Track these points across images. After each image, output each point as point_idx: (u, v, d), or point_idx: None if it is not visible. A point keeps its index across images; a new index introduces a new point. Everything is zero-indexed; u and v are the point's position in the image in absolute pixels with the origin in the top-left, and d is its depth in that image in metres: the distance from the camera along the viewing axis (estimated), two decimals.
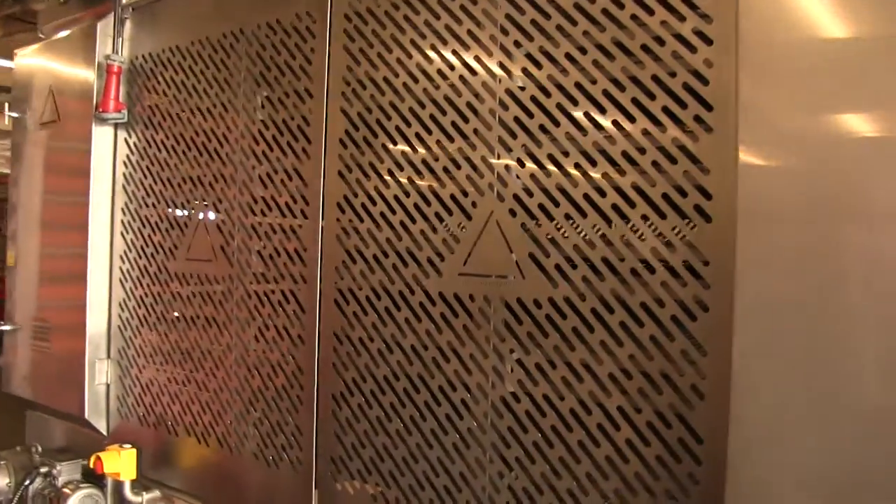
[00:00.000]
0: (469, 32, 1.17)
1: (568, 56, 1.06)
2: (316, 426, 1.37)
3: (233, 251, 1.55)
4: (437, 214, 1.20)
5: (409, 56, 1.25)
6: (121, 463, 1.66)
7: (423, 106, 1.23)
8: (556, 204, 1.07)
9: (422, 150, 1.23)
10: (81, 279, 1.85)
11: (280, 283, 1.44)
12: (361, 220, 1.31)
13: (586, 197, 1.05)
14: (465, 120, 1.18)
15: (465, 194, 1.17)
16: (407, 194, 1.24)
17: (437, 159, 1.21)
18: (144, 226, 1.78)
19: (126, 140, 1.84)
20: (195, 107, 1.65)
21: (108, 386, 1.86)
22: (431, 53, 1.22)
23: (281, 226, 1.45)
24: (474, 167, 1.16)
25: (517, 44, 1.12)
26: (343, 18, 1.35)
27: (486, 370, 1.14)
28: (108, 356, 1.86)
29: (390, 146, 1.27)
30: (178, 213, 1.69)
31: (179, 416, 1.67)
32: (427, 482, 1.20)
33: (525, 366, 1.10)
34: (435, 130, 1.21)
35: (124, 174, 1.84)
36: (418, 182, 1.23)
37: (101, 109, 1.79)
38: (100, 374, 1.85)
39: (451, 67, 1.19)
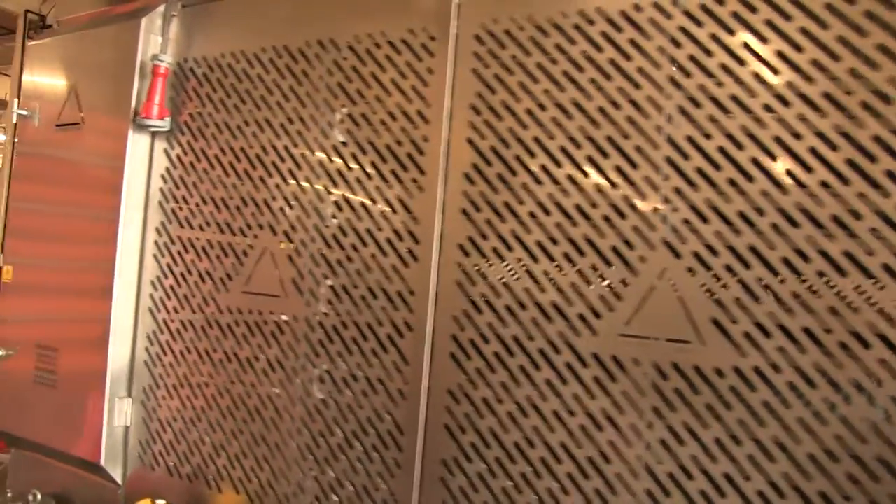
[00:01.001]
0: (640, 70, 1.09)
1: (766, 107, 1.00)
2: (419, 494, 1.23)
3: (308, 288, 1.39)
4: (593, 266, 1.11)
5: (562, 89, 1.15)
6: None
7: (578, 146, 1.13)
8: (748, 266, 1.00)
9: (575, 194, 1.13)
10: (102, 303, 1.63)
11: (376, 330, 1.30)
12: (491, 266, 1.19)
13: (785, 261, 0.98)
14: (634, 165, 1.09)
15: (631, 247, 1.08)
16: (554, 241, 1.14)
17: (595, 206, 1.11)
18: (187, 250, 1.59)
19: (166, 152, 1.64)
20: (264, 120, 1.49)
21: (127, 429, 1.63)
22: (590, 88, 1.13)
23: (379, 264, 1.31)
24: (643, 218, 1.07)
25: (702, 88, 1.04)
26: (474, 40, 1.24)
27: (651, 441, 1.04)
28: (130, 395, 1.64)
29: (533, 186, 1.16)
30: (235, 238, 1.51)
31: (225, 469, 1.48)
32: None
33: (701, 440, 1.01)
34: (593, 174, 1.12)
35: (162, 190, 1.64)
36: (569, 229, 1.13)
37: (142, 115, 1.59)
38: (119, 415, 1.62)
39: (616, 106, 1.11)
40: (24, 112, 1.87)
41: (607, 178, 1.10)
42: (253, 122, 1.51)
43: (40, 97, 1.86)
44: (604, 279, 1.10)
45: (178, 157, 1.62)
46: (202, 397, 1.53)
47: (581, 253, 1.12)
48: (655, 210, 1.06)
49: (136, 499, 1.59)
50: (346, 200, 1.36)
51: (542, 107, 1.17)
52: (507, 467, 1.15)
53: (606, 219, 1.10)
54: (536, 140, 1.17)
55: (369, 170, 1.34)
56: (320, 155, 1.40)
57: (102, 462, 1.61)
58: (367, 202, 1.33)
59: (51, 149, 1.80)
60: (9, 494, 1.68)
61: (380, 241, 1.31)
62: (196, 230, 1.57)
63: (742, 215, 1.01)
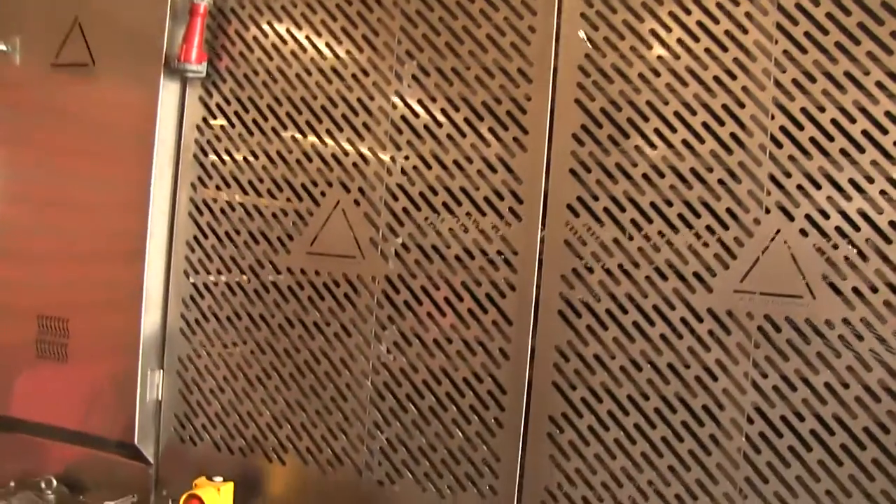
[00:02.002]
0: (756, 42, 1.18)
1: (879, 83, 1.12)
2: (522, 451, 1.29)
3: (391, 248, 1.38)
4: (708, 227, 1.20)
5: (676, 56, 1.22)
6: (221, 501, 1.39)
7: (693, 112, 1.21)
8: (857, 228, 1.13)
9: (691, 159, 1.21)
10: (126, 267, 1.51)
11: (473, 290, 1.32)
12: (602, 226, 1.25)
13: (892, 224, 1.12)
14: (750, 134, 1.18)
15: (746, 209, 1.18)
16: (669, 203, 1.22)
17: (710, 170, 1.20)
18: (234, 208, 1.51)
19: (202, 100, 1.54)
20: (331, 70, 1.44)
21: (159, 403, 1.54)
22: (703, 55, 1.20)
23: (477, 224, 1.33)
24: (759, 184, 1.17)
25: (817, 64, 1.15)
26: (581, 1, 1.28)
27: (765, 389, 1.16)
28: (161, 366, 1.54)
29: (647, 150, 1.23)
30: (293, 196, 1.46)
31: (290, 440, 1.45)
32: None
33: (812, 385, 1.14)
34: (708, 139, 1.20)
35: (198, 142, 1.54)
36: (683, 191, 1.21)
37: (181, 59, 1.47)
38: (151, 389, 1.52)
39: (731, 76, 1.19)
40: (2, 47, 1.65)
41: (723, 144, 1.19)
42: (317, 71, 1.45)
43: (22, 30, 1.65)
44: (719, 239, 1.19)
45: (219, 106, 1.52)
46: (257, 365, 1.48)
47: (696, 215, 1.20)
48: (772, 178, 1.16)
49: (172, 478, 1.51)
50: (436, 157, 1.35)
51: (655, 72, 1.23)
52: (619, 419, 1.23)
53: (721, 182, 1.19)
54: (650, 104, 1.23)
55: (463, 127, 1.34)
56: (402, 109, 1.37)
57: (137, 441, 1.50)
58: (461, 160, 1.33)
59: (44, 93, 1.61)
60: (10, 485, 1.53)
61: (476, 201, 1.32)
62: (245, 186, 1.49)
63: (853, 182, 1.13)
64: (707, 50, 1.20)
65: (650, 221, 1.22)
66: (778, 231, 1.16)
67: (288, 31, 1.47)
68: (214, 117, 1.52)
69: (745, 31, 1.18)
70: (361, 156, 1.40)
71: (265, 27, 1.49)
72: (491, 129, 1.32)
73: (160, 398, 1.55)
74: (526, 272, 1.28)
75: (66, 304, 1.57)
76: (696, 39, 1.20)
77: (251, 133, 1.49)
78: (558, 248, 1.27)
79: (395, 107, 1.38)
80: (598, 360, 1.24)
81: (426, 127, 1.36)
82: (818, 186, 1.14)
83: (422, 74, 1.36)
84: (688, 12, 1.21)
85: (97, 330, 1.55)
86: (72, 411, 1.56)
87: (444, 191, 1.34)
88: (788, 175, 1.15)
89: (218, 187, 1.51)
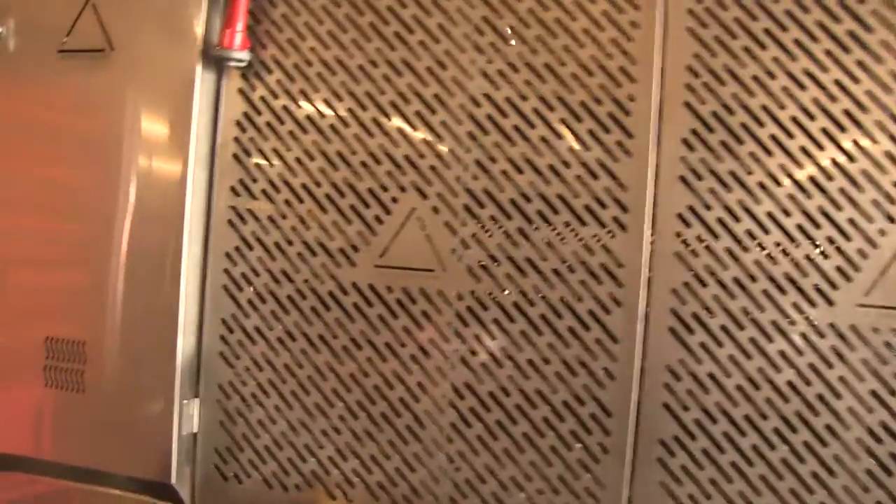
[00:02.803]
0: (882, 42, 1.16)
1: None
2: (631, 477, 1.22)
3: (477, 260, 1.28)
4: (829, 238, 1.17)
5: (794, 58, 1.18)
6: None
7: (811, 118, 1.17)
8: None
9: (809, 166, 1.17)
10: (158, 283, 1.34)
11: (574, 306, 1.24)
12: (717, 238, 1.20)
13: None
14: (874, 140, 1.16)
15: (870, 219, 1.16)
16: (787, 213, 1.18)
17: (831, 179, 1.17)
18: (284, 215, 1.36)
19: (243, 93, 1.38)
20: (401, 62, 1.31)
21: (194, 436, 1.38)
22: (825, 59, 1.17)
23: (577, 234, 1.24)
24: (884, 193, 1.15)
25: None
26: None
27: (894, 407, 1.14)
28: (197, 394, 1.38)
29: (763, 157, 1.19)
30: (360, 203, 1.33)
31: (358, 474, 1.33)
32: None
33: None
34: (828, 146, 1.17)
35: (238, 140, 1.38)
36: (802, 201, 1.17)
37: (224, 45, 1.31)
38: (185, 421, 1.36)
39: (854, 79, 1.16)
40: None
41: (844, 152, 1.16)
42: (384, 63, 1.32)
43: (19, 9, 1.43)
44: (839, 250, 1.16)
45: (264, 100, 1.37)
46: (316, 392, 1.34)
47: (816, 225, 1.16)
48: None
49: None
50: (528, 161, 1.26)
51: (771, 75, 1.18)
52: (735, 441, 1.18)
53: (842, 191, 1.16)
54: (765, 109, 1.18)
55: (559, 128, 1.25)
56: (487, 107, 1.27)
57: (174, 480, 1.34)
58: (557, 164, 1.25)
59: (49, 85, 1.40)
60: None
61: (576, 209, 1.24)
62: (298, 191, 1.35)
63: None
64: (827, 52, 1.16)
65: (767, 232, 1.17)
66: None
67: (348, 16, 1.33)
68: (259, 113, 1.36)
69: (870, 30, 1.14)
70: (440, 158, 1.28)
71: (320, 13, 1.34)
72: (591, 132, 1.23)
73: (195, 431, 1.38)
74: (632, 286, 1.21)
75: (82, 325, 1.37)
76: (815, 40, 1.16)
77: (304, 131, 1.34)
78: (668, 261, 1.20)
79: (478, 105, 1.27)
80: (713, 378, 1.19)
81: (516, 128, 1.26)
82: None
83: (510, 70, 1.26)
84: (806, 10, 1.16)
85: (121, 354, 1.36)
86: (94, 448, 1.37)
87: (538, 198, 1.25)
88: None
89: (265, 192, 1.36)
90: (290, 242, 1.35)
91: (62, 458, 1.37)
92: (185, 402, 1.35)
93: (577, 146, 1.24)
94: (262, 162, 1.36)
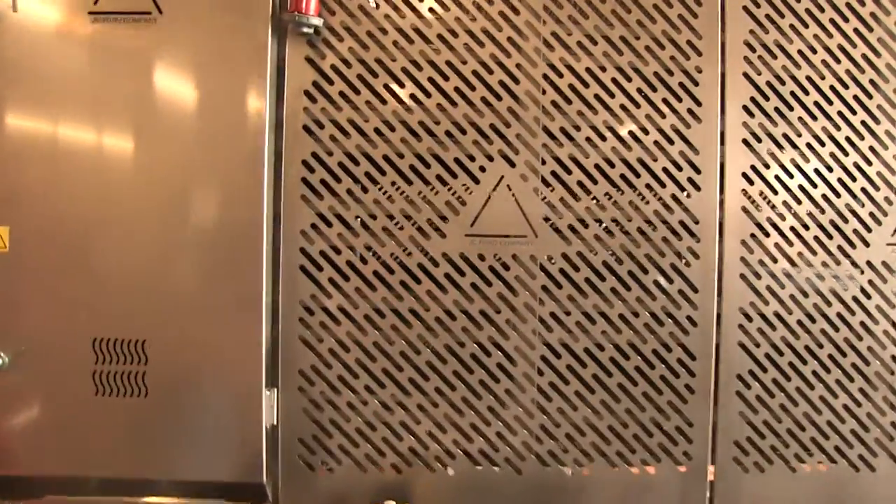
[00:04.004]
0: None
1: None
2: (713, 412, 1.40)
3: (567, 224, 1.38)
4: (863, 189, 1.41)
5: (829, 34, 1.41)
6: None
7: (845, 86, 1.41)
8: None
9: (845, 128, 1.41)
10: (233, 263, 1.29)
11: (658, 261, 1.39)
12: (776, 193, 1.40)
13: None
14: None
15: (893, 172, 1.42)
16: (830, 169, 1.41)
17: (862, 138, 1.41)
18: (366, 189, 1.36)
19: (311, 61, 1.35)
20: (482, 32, 1.37)
21: (275, 428, 1.35)
22: (852, 33, 1.41)
23: (657, 195, 1.39)
24: None
25: None
26: None
27: None
28: (276, 383, 1.35)
29: (808, 120, 1.40)
30: (446, 173, 1.37)
31: (459, 444, 1.38)
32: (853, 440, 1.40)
33: None
34: (860, 112, 1.41)
35: (308, 111, 1.35)
36: (841, 158, 1.41)
37: (300, 9, 1.28)
38: (267, 412, 1.33)
39: (876, 52, 1.41)
40: None
41: (872, 115, 1.41)
42: (464, 33, 1.36)
43: None
44: (874, 201, 1.41)
45: (335, 69, 1.35)
46: (410, 367, 1.36)
47: (853, 178, 1.41)
48: None
49: None
50: (609, 128, 1.37)
51: (812, 49, 1.40)
52: (799, 369, 1.40)
53: (872, 149, 1.41)
54: (809, 79, 1.40)
55: (637, 97, 1.38)
56: (568, 77, 1.36)
57: (264, 479, 1.29)
58: (637, 131, 1.38)
59: (78, 54, 1.26)
60: None
61: (656, 172, 1.38)
62: (380, 163, 1.35)
63: None
64: (855, 30, 1.39)
65: (815, 186, 1.39)
66: None
67: None
68: (331, 82, 1.34)
69: (887, 13, 1.39)
70: (526, 126, 1.35)
71: None
72: (665, 100, 1.37)
73: (276, 423, 1.33)
74: (708, 239, 1.37)
75: (141, 321, 1.27)
76: (846, 20, 1.39)
77: (383, 101, 1.34)
78: (737, 215, 1.38)
79: (561, 75, 1.36)
80: (778, 316, 1.39)
81: (597, 97, 1.37)
82: None
83: (589, 42, 1.36)
84: None
85: (191, 349, 1.27)
86: (163, 456, 1.27)
87: (620, 162, 1.37)
88: None
89: (342, 164, 1.34)
90: (373, 217, 1.34)
91: (126, 472, 1.26)
92: (266, 393, 1.30)
93: (653, 113, 1.37)
94: (338, 133, 1.33)
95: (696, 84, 1.37)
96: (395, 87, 1.34)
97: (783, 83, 1.38)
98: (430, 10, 1.35)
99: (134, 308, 1.25)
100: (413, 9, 1.34)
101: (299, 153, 1.33)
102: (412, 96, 1.35)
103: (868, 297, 1.39)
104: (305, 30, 1.29)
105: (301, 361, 1.33)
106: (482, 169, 1.35)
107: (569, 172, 1.36)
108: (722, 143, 1.37)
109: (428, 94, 1.35)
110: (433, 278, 1.35)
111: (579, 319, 1.37)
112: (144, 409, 1.27)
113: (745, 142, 1.37)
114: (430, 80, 1.35)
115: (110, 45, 1.25)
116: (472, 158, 1.35)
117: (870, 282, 1.39)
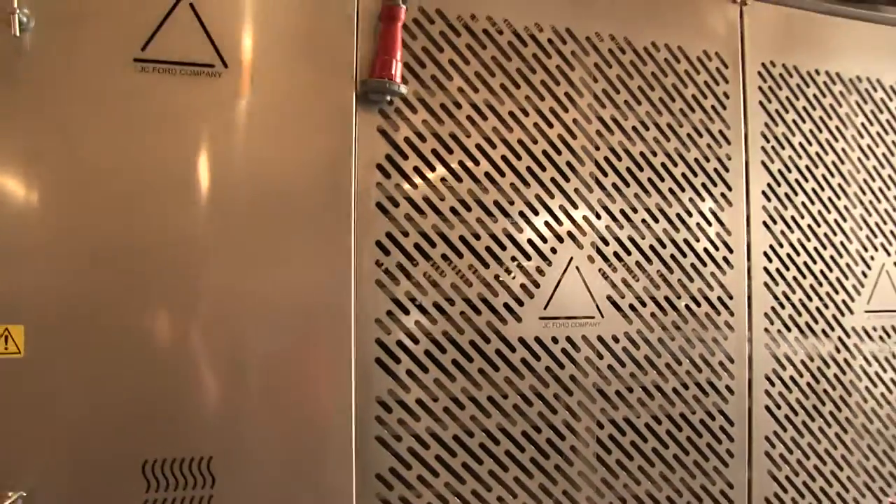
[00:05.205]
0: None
1: None
2: (749, 473, 1.56)
3: (628, 304, 1.47)
4: (847, 265, 1.69)
5: (819, 130, 1.67)
6: None
7: (832, 175, 1.68)
8: None
9: (834, 213, 1.68)
10: (321, 361, 1.20)
11: (702, 335, 1.52)
12: (787, 269, 1.62)
13: None
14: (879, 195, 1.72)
15: (884, 251, 1.71)
16: (824, 247, 1.66)
17: (845, 220, 1.69)
18: (442, 272, 1.34)
19: (383, 132, 1.30)
20: (525, 98, 1.42)
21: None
22: (841, 132, 1.69)
23: (699, 273, 1.53)
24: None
25: None
26: (757, 76, 1.61)
27: None
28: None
29: (809, 205, 1.65)
30: (520, 254, 1.39)
31: None
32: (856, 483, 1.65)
33: None
34: (843, 197, 1.69)
35: (381, 187, 1.30)
36: (833, 238, 1.67)
37: (389, 76, 1.24)
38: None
39: (869, 153, 1.70)
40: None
41: (859, 201, 1.69)
42: (533, 112, 1.40)
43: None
44: (864, 273, 1.68)
45: (409, 142, 1.31)
46: (488, 459, 1.35)
47: (840, 255, 1.67)
48: None
49: None
50: (660, 210, 1.49)
51: (809, 142, 1.65)
52: (809, 426, 1.61)
53: (853, 230, 1.69)
54: (808, 168, 1.64)
55: (682, 181, 1.51)
56: (626, 161, 1.46)
57: None
58: (682, 213, 1.51)
59: (116, 106, 1.09)
60: None
61: (698, 251, 1.52)
62: (456, 245, 1.34)
63: None
64: (837, 129, 1.66)
65: (814, 262, 1.63)
66: None
67: (494, 58, 1.36)
68: (405, 157, 1.29)
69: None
70: (591, 208, 1.42)
71: (475, 46, 1.34)
72: (703, 185, 1.52)
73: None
74: (740, 312, 1.54)
75: (205, 433, 1.11)
76: (846, 127, 1.66)
77: (458, 179, 1.33)
78: (760, 289, 1.56)
79: (620, 158, 1.45)
80: (793, 380, 1.59)
81: (650, 180, 1.48)
82: None
83: (642, 128, 1.47)
84: (831, 93, 1.65)
85: (271, 464, 1.14)
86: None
87: (670, 243, 1.49)
88: None
89: (417, 246, 1.29)
90: (450, 301, 1.31)
91: None
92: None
93: (695, 197, 1.50)
94: (413, 212, 1.28)
95: (727, 170, 1.53)
96: (469, 164, 1.32)
97: (790, 171, 1.60)
98: (502, 86, 1.35)
99: (197, 416, 1.08)
100: (487, 85, 1.34)
101: (374, 234, 1.25)
102: (486, 175, 1.34)
103: (854, 357, 1.64)
104: (376, 97, 1.23)
105: (378, 464, 1.24)
106: (553, 251, 1.38)
107: (628, 253, 1.44)
108: (748, 224, 1.54)
109: (502, 174, 1.35)
110: (510, 364, 1.34)
111: (640, 396, 1.44)
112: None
113: (764, 224, 1.56)
114: (504, 158, 1.35)
115: (161, 102, 1.08)
116: (544, 240, 1.37)
117: (854, 345, 1.65)
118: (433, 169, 1.30)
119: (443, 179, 1.30)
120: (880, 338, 1.67)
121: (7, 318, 1.00)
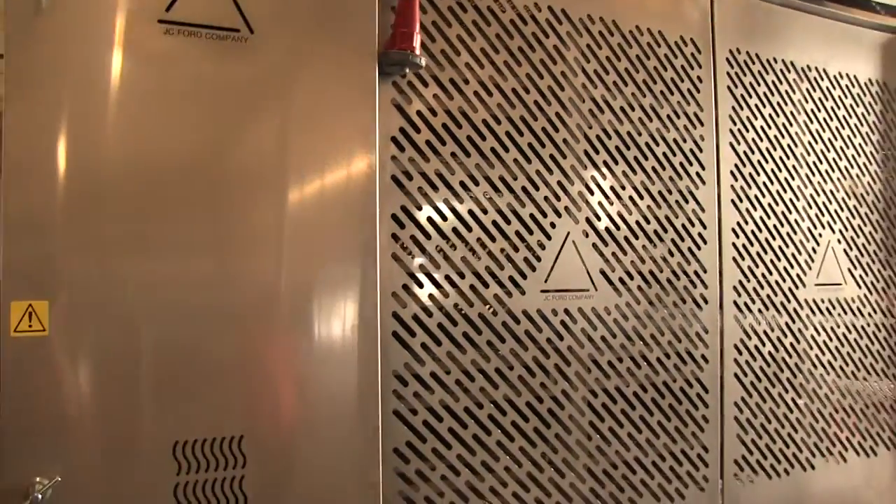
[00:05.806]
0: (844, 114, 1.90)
1: None
2: (722, 437, 1.70)
3: (618, 277, 1.56)
4: (801, 241, 1.86)
5: (779, 115, 1.83)
6: None
7: (787, 157, 1.85)
8: None
9: (789, 193, 1.85)
10: (347, 339, 1.22)
11: (681, 307, 1.64)
12: (752, 245, 1.77)
13: None
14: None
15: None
16: (782, 224, 1.83)
17: (798, 199, 1.86)
18: (453, 245, 1.38)
19: (398, 106, 1.32)
20: (548, 89, 1.49)
21: None
22: (795, 117, 1.86)
23: (678, 248, 1.64)
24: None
25: None
26: (725, 62, 1.75)
27: None
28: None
29: (770, 185, 1.81)
30: (524, 229, 1.45)
31: (542, 501, 1.45)
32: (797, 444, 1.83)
33: None
34: (796, 178, 1.86)
35: (396, 160, 1.32)
36: (788, 216, 1.84)
37: (411, 48, 1.26)
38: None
39: (817, 137, 1.88)
40: None
41: (822, 176, 1.86)
42: (534, 90, 1.46)
43: None
44: (840, 241, 1.86)
45: (421, 115, 1.34)
46: (497, 430, 1.40)
47: (808, 239, 1.84)
48: None
49: None
50: (646, 188, 1.59)
51: (769, 126, 1.81)
52: (772, 393, 1.78)
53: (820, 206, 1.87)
54: (768, 151, 1.80)
55: (663, 161, 1.62)
56: (616, 140, 1.54)
57: None
58: (664, 191, 1.62)
59: (138, 71, 1.06)
60: None
61: (677, 227, 1.63)
62: (465, 218, 1.38)
63: None
64: (792, 115, 1.83)
65: (787, 246, 1.79)
66: None
67: (521, 48, 1.41)
68: (417, 130, 1.32)
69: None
70: (585, 184, 1.50)
71: (495, 27, 1.38)
72: (681, 164, 1.64)
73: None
74: (713, 285, 1.67)
75: (235, 412, 1.09)
76: (804, 115, 1.82)
77: (467, 153, 1.37)
78: (730, 262, 1.70)
79: (610, 137, 1.54)
80: (758, 350, 1.74)
81: (636, 159, 1.57)
82: None
83: (628, 108, 1.56)
84: (806, 97, 1.81)
85: (301, 441, 1.14)
86: None
87: (654, 219, 1.59)
88: None
89: (430, 219, 1.32)
90: (462, 275, 1.34)
91: None
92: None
93: (674, 175, 1.61)
94: (426, 185, 1.31)
95: (701, 151, 1.65)
96: (476, 138, 1.36)
97: (753, 153, 1.74)
98: (505, 63, 1.40)
99: (227, 396, 1.06)
100: (491, 61, 1.38)
101: (389, 206, 1.26)
102: (493, 150, 1.38)
103: (807, 328, 1.82)
104: (391, 70, 1.24)
105: (396, 439, 1.26)
106: (553, 225, 1.44)
107: (618, 228, 1.52)
108: (718, 202, 1.67)
109: (506, 148, 1.39)
110: (515, 336, 1.39)
111: (629, 366, 1.53)
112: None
113: (732, 202, 1.69)
114: (507, 134, 1.39)
115: (187, 67, 1.05)
116: (544, 214, 1.43)
117: (807, 316, 1.82)
118: (444, 143, 1.32)
119: (452, 154, 1.33)
120: (827, 310, 1.85)
121: (31, 293, 0.94)
